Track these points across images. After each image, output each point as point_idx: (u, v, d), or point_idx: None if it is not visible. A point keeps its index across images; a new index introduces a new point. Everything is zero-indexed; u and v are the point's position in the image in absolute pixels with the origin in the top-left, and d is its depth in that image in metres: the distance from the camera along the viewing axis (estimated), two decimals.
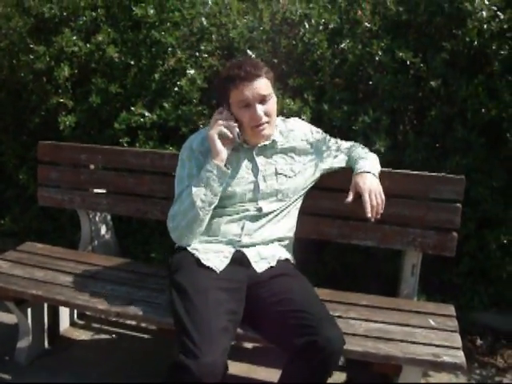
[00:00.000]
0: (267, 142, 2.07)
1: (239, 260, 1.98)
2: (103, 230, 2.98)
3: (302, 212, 2.25)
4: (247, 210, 2.04)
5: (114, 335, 2.79)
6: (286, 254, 2.11)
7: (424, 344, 1.87)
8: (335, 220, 2.33)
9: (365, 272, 2.82)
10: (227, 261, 1.96)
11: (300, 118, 2.42)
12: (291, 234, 2.18)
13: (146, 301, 2.14)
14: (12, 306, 2.43)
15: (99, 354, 2.61)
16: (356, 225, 2.30)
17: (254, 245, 2.02)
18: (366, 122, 2.47)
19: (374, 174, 2.10)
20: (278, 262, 2.03)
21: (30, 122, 3.32)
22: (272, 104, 2.00)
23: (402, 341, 1.89)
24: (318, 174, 2.21)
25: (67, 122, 2.90)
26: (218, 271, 1.92)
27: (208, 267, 1.92)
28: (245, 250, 2.00)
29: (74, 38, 2.97)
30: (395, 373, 1.86)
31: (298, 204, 2.21)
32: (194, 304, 1.74)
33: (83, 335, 2.78)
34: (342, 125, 2.56)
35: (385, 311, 2.12)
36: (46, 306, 2.62)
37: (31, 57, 3.03)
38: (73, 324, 2.86)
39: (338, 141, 2.29)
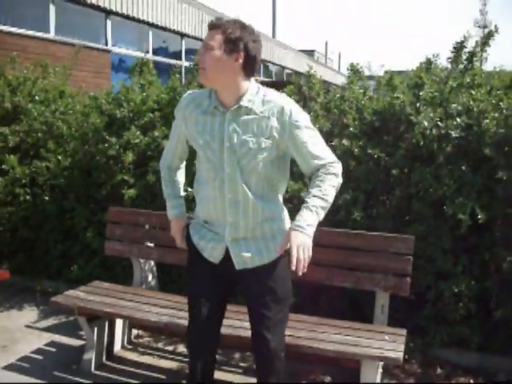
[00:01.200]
0: (237, 106, 2.16)
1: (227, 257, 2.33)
2: (150, 277, 3.89)
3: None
4: (220, 176, 2.22)
5: (155, 357, 3.61)
6: (271, 244, 2.31)
7: (377, 348, 2.69)
8: (323, 267, 3.20)
9: (350, 313, 3.63)
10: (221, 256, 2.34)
11: (300, 196, 3.35)
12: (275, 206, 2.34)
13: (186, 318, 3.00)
14: (83, 323, 3.30)
15: (143, 370, 3.43)
16: (337, 271, 3.17)
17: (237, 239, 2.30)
18: (347, 199, 3.41)
19: (306, 233, 2.13)
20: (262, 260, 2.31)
21: (97, 194, 4.34)
22: (208, 55, 2.10)
23: (363, 346, 2.72)
24: (280, 154, 2.27)
25: (130, 194, 3.90)
26: (215, 263, 2.35)
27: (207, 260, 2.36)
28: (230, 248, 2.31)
29: (138, 132, 4.05)
30: (358, 367, 2.66)
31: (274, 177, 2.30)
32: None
33: (131, 356, 3.62)
34: None
35: (357, 330, 2.94)
36: (106, 328, 3.48)
37: (106, 145, 4.10)
38: (123, 347, 3.70)
39: (312, 145, 2.22)
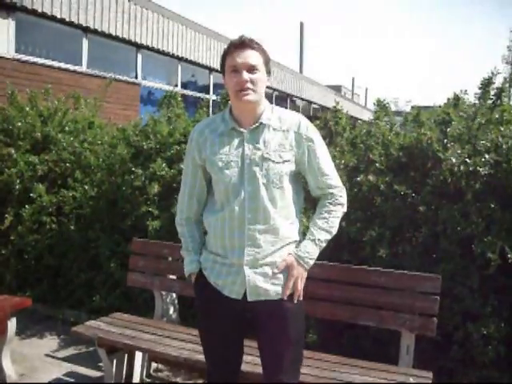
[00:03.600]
0: (257, 124, 2.18)
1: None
2: (171, 310, 3.86)
3: (320, 299, 3.08)
4: (240, 196, 2.15)
5: None
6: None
7: None
8: (347, 306, 3.13)
9: (374, 352, 3.53)
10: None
11: None
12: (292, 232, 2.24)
13: None
14: (103, 354, 3.27)
15: None
16: (362, 309, 3.10)
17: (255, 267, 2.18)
18: (373, 235, 3.35)
19: (305, 266, 2.22)
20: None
21: (122, 225, 4.36)
22: (259, 75, 2.13)
23: None
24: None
25: (154, 226, 3.91)
26: (239, 298, 2.22)
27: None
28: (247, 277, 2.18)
29: (164, 164, 4.08)
30: None
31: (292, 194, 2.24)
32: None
33: None
34: (356, 237, 3.44)
35: (380, 372, 2.85)
36: (125, 360, 3.45)
37: (131, 176, 4.14)
38: (142, 380, 3.65)
39: (323, 163, 2.26)
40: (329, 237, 2.27)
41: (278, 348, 2.22)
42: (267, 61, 2.19)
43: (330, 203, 2.27)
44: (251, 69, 2.12)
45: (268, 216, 2.16)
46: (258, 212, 2.16)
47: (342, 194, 2.30)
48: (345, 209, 2.33)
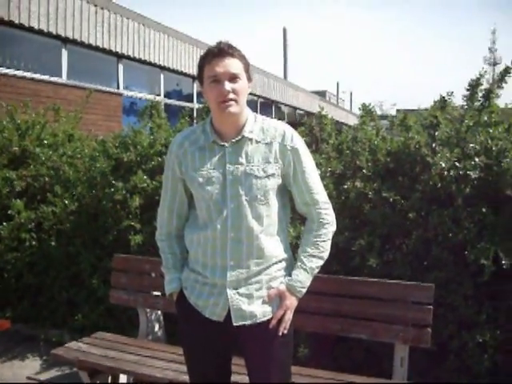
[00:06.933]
0: (238, 138, 2.06)
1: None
2: (156, 327, 3.72)
3: (310, 312, 2.97)
4: (223, 213, 2.04)
5: None
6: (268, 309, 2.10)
7: None
8: (337, 318, 3.02)
9: (367, 365, 3.42)
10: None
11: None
12: (281, 252, 2.14)
13: None
14: (85, 377, 3.13)
15: None
16: (353, 322, 2.99)
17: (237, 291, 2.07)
18: (362, 244, 3.25)
19: (297, 295, 2.12)
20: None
21: (104, 239, 4.22)
22: (241, 84, 2.02)
23: None
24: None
25: (136, 240, 3.78)
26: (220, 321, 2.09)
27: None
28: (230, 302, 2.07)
29: (145, 177, 3.95)
30: None
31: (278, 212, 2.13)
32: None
33: None
34: (345, 247, 3.34)
35: None
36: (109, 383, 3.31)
37: (112, 190, 4.00)
38: None
39: (309, 176, 2.13)
40: (321, 262, 2.16)
41: (265, 371, 2.10)
42: (247, 67, 2.07)
43: (318, 226, 2.15)
44: (233, 78, 2.00)
45: (252, 235, 2.04)
46: (241, 231, 2.04)
47: (328, 212, 2.17)
48: (334, 226, 2.20)
